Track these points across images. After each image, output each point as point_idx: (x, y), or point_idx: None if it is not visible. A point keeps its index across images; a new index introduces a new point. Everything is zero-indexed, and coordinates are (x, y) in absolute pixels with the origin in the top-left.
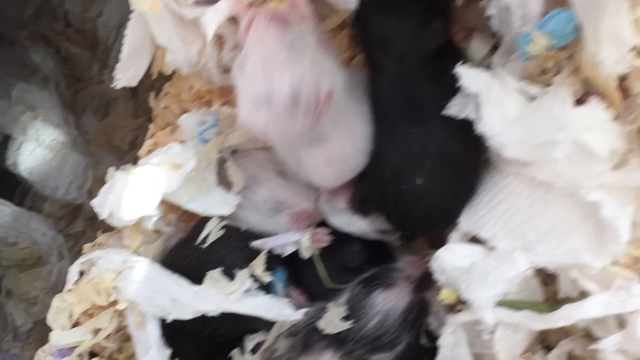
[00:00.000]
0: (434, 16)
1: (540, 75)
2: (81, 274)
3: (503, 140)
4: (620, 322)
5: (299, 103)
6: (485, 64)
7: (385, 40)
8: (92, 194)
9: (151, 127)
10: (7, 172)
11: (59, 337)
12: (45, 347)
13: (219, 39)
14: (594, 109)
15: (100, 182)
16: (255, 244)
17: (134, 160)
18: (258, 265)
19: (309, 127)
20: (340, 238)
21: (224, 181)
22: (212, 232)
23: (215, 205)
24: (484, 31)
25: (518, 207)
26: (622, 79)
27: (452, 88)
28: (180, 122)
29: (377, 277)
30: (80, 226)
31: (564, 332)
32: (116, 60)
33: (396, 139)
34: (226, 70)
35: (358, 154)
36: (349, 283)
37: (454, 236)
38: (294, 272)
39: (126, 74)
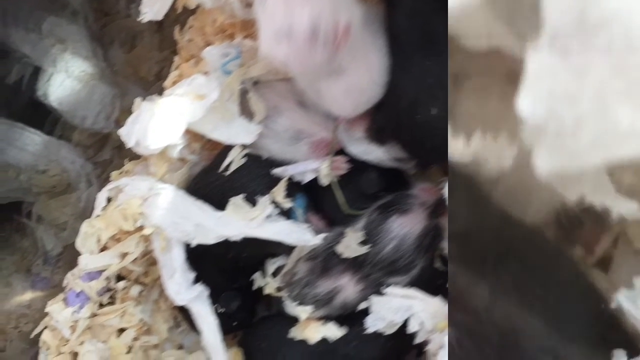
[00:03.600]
0: None
1: None
2: (109, 200)
3: None
4: None
5: (318, 36)
6: None
7: None
8: (119, 123)
9: (176, 59)
10: (38, 102)
11: (88, 261)
12: (74, 270)
13: None
14: None
15: (127, 112)
16: (276, 171)
17: (160, 91)
18: (279, 191)
19: (328, 59)
20: (358, 166)
21: (246, 111)
22: (234, 160)
23: (238, 134)
24: None
25: None
26: None
27: None
28: (204, 55)
29: (393, 204)
30: (108, 154)
31: None
32: None
33: (411, 71)
34: (248, 4)
35: (375, 85)
36: (366, 209)
37: None
38: (313, 198)
39: (152, 8)
